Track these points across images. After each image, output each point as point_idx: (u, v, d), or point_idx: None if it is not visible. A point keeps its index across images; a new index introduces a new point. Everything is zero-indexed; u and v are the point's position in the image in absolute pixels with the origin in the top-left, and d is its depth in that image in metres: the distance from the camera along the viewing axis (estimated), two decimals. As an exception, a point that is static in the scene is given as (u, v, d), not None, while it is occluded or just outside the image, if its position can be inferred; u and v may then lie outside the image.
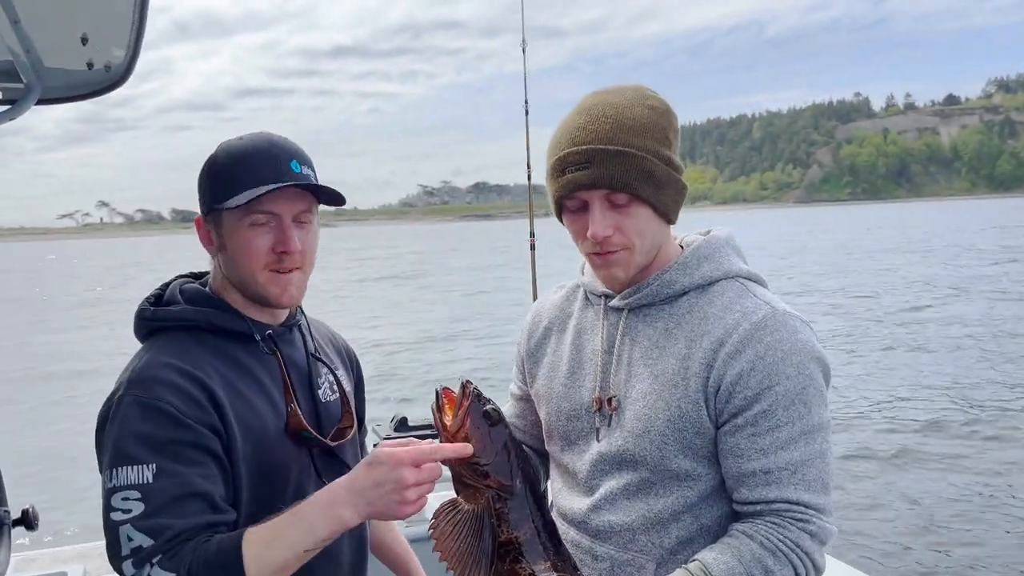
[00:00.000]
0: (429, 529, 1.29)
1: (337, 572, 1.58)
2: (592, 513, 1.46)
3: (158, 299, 1.57)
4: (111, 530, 1.33)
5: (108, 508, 1.33)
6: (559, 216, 1.49)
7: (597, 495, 1.45)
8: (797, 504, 1.31)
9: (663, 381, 1.38)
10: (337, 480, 1.36)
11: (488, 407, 1.32)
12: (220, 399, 1.42)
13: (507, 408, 1.75)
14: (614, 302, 1.48)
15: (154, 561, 1.30)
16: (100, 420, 1.42)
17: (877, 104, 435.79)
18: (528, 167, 3.46)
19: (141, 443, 1.34)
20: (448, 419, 1.30)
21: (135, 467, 1.33)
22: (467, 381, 1.32)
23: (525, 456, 1.40)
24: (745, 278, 1.47)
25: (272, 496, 1.47)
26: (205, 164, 1.53)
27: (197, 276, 1.64)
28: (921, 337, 15.52)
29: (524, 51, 3.27)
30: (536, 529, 1.32)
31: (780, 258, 36.63)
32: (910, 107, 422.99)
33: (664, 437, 1.37)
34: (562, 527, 1.51)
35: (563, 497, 1.55)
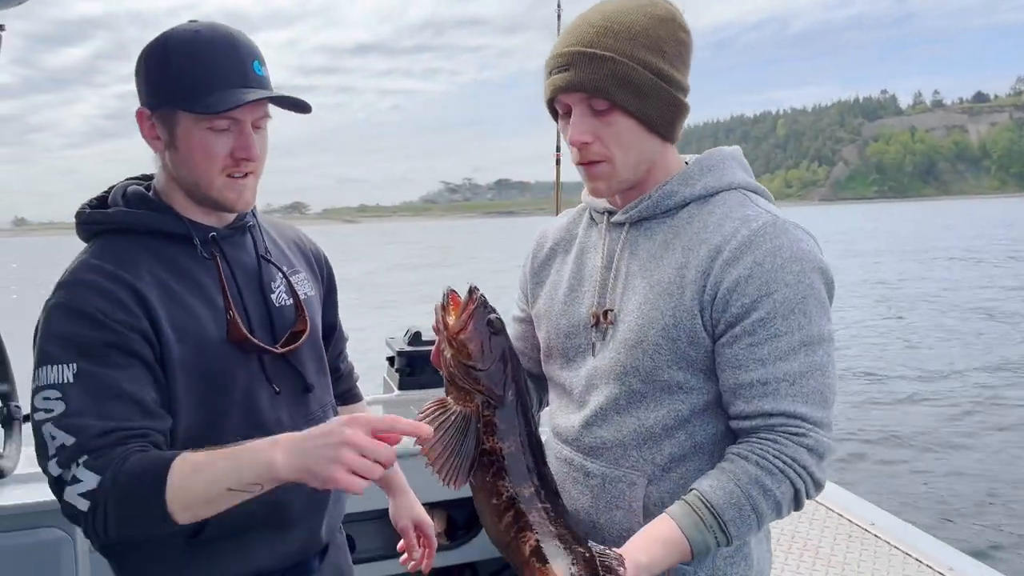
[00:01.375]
0: (417, 418, 1.26)
1: (297, 489, 1.44)
2: (584, 430, 1.43)
3: (101, 202, 1.50)
4: (36, 430, 1.30)
5: (33, 408, 1.31)
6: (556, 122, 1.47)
7: (588, 410, 1.43)
8: (794, 417, 1.26)
9: (658, 291, 1.34)
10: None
11: (492, 315, 1.30)
12: (151, 303, 1.36)
13: (509, 330, 1.73)
14: (616, 217, 1.45)
15: (80, 461, 1.26)
16: (36, 320, 1.38)
17: (904, 101, 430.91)
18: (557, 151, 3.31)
19: (63, 343, 1.31)
20: (451, 319, 1.29)
21: (56, 367, 1.30)
22: (475, 287, 1.31)
23: (521, 372, 1.36)
24: (750, 190, 1.42)
25: (218, 402, 1.43)
26: (152, 52, 1.41)
27: (148, 178, 1.56)
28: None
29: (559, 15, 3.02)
30: (521, 444, 1.29)
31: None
32: (938, 104, 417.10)
33: (657, 347, 1.33)
34: (555, 445, 1.50)
35: (558, 415, 1.52)
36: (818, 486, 1.29)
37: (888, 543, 2.51)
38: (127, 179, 1.56)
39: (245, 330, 1.45)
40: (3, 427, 2.55)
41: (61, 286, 1.37)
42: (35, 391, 1.31)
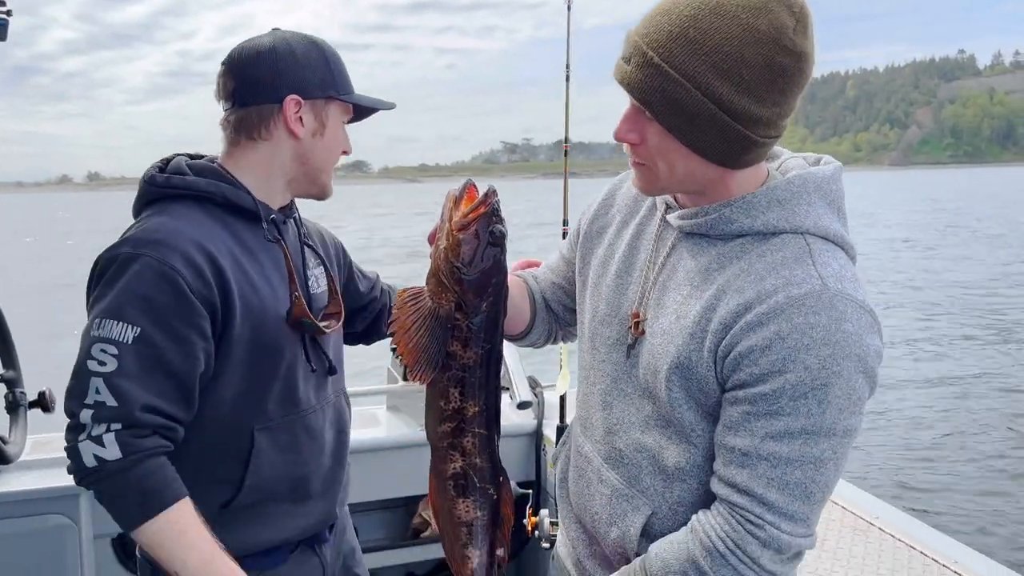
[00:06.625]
0: (392, 307, 1.29)
1: (320, 453, 1.63)
2: (608, 435, 1.38)
3: (162, 171, 1.53)
4: (81, 376, 1.33)
5: (86, 355, 1.33)
6: None
7: (613, 417, 1.37)
8: (759, 502, 1.16)
9: (682, 325, 1.23)
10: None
11: (497, 226, 1.26)
12: (227, 276, 1.41)
13: (550, 259, 1.69)
14: (671, 217, 1.31)
15: (113, 428, 1.30)
16: (102, 270, 1.40)
17: (983, 62, 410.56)
18: (566, 134, 2.91)
19: (138, 305, 1.34)
20: (458, 214, 1.26)
21: (120, 323, 1.33)
22: (494, 191, 1.27)
23: (504, 290, 1.32)
24: (819, 237, 1.21)
25: (265, 375, 1.50)
26: (301, 45, 1.52)
27: (193, 157, 1.59)
28: None
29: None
30: (480, 359, 1.30)
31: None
32: (1018, 65, 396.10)
33: (670, 382, 1.23)
34: (579, 437, 1.48)
35: (583, 404, 1.48)
36: None
37: (893, 536, 2.44)
38: (179, 154, 1.58)
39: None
40: (9, 413, 2.52)
41: (148, 244, 1.37)
42: (95, 339, 1.32)
